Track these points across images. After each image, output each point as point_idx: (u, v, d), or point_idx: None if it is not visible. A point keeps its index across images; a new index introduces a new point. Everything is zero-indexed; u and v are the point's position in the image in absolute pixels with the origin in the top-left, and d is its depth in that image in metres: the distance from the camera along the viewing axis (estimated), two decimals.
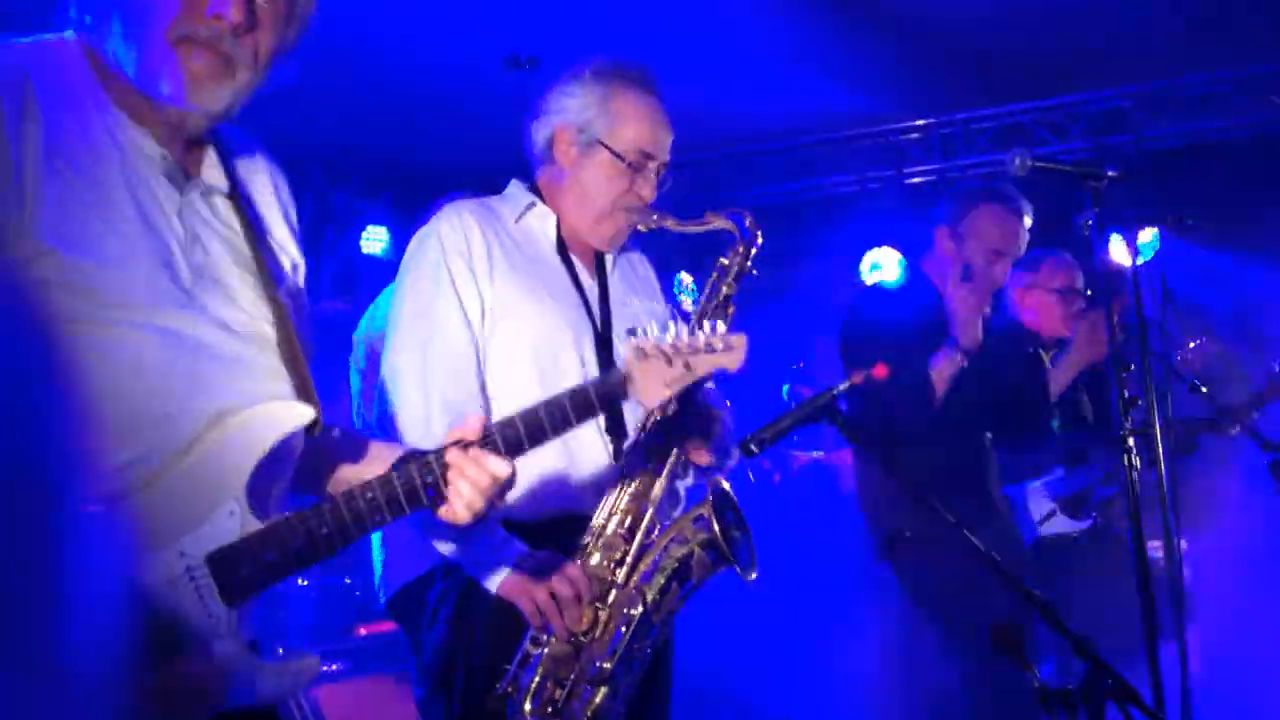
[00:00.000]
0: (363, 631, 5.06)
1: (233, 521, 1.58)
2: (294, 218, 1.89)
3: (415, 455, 1.73)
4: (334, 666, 4.82)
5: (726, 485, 2.35)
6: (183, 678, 1.51)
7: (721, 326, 1.97)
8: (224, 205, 1.73)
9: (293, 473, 1.74)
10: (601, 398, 1.90)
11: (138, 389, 1.53)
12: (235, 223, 1.73)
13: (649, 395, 1.95)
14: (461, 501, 1.71)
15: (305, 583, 5.09)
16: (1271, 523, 4.93)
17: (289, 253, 1.84)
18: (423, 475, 1.70)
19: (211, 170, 1.72)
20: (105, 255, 1.53)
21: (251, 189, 1.81)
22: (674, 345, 1.92)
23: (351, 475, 1.77)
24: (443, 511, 1.72)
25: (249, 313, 1.69)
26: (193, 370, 1.58)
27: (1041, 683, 2.28)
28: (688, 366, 1.94)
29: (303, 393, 1.70)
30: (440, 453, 1.72)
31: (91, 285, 1.51)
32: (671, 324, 1.98)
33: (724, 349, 1.95)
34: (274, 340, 1.71)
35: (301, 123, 6.42)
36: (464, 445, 1.73)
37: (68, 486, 0.72)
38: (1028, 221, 3.82)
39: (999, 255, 3.74)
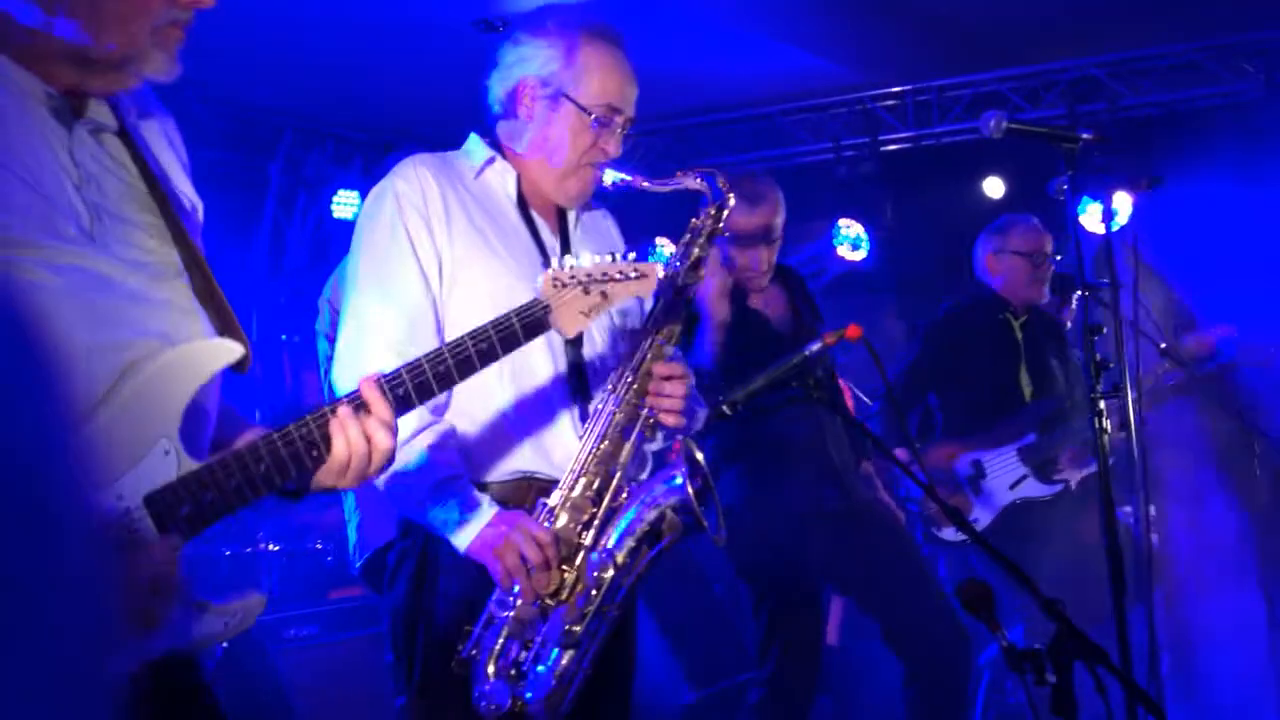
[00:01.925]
0: (334, 596, 5.05)
1: (168, 462, 1.54)
2: (185, 159, 1.83)
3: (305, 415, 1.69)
4: (305, 631, 4.81)
5: (696, 448, 2.34)
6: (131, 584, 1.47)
7: (632, 256, 2.01)
8: (115, 145, 1.67)
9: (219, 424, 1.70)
10: (526, 328, 1.90)
11: (50, 330, 1.48)
12: (129, 162, 1.67)
13: (567, 325, 1.97)
14: (340, 455, 1.66)
15: (276, 548, 5.07)
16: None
17: (188, 195, 1.79)
18: (312, 428, 1.65)
19: (99, 108, 1.66)
20: None
21: (144, 131, 1.75)
22: (589, 273, 1.95)
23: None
24: (322, 473, 1.68)
25: (156, 252, 1.63)
26: (106, 307, 1.53)
27: (1010, 643, 2.30)
28: (604, 295, 1.98)
29: (228, 330, 1.65)
30: (329, 408, 1.68)
31: None
32: (585, 254, 2.00)
33: (637, 276, 1.99)
34: (186, 279, 1.65)
35: (273, 88, 6.37)
36: (355, 402, 1.70)
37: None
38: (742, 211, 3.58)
39: (737, 242, 3.76)
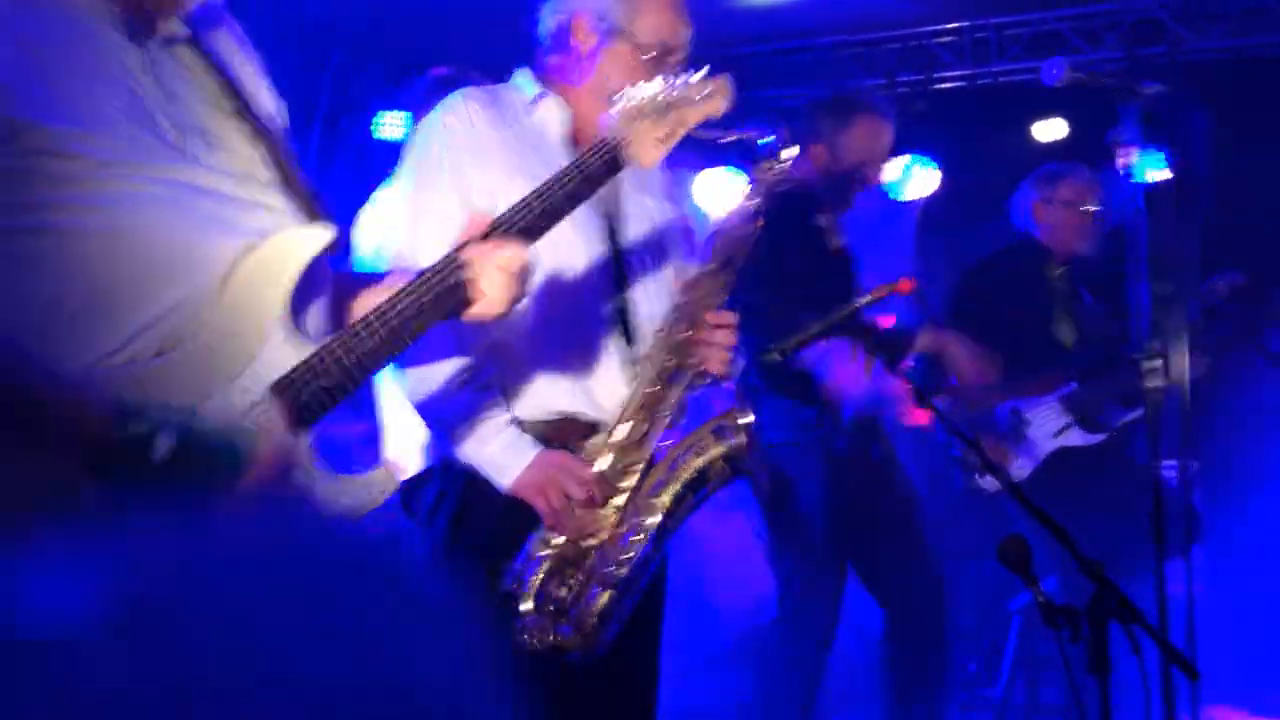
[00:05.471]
0: None
1: (284, 351, 1.59)
2: (259, 62, 1.85)
3: (432, 265, 1.73)
4: None
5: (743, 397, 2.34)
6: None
7: (701, 74, 1.99)
8: (188, 55, 1.68)
9: (329, 304, 1.76)
10: (607, 163, 1.89)
11: (155, 240, 1.53)
12: (202, 70, 1.69)
13: (646, 155, 1.95)
14: (495, 289, 1.70)
15: None
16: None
17: (267, 98, 1.80)
18: (451, 273, 1.69)
19: (167, 19, 1.66)
20: (87, 120, 1.50)
21: (214, 40, 1.75)
22: (664, 100, 1.94)
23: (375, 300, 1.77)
24: (478, 307, 1.72)
25: (240, 156, 1.67)
26: (203, 214, 1.58)
27: (1046, 598, 2.30)
28: (679, 121, 1.96)
29: (317, 219, 1.70)
30: (456, 253, 1.71)
31: (80, 150, 1.49)
32: (655, 80, 1.97)
33: (709, 94, 1.99)
34: (274, 179, 1.69)
35: (322, 3, 6.30)
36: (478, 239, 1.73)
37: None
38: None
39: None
